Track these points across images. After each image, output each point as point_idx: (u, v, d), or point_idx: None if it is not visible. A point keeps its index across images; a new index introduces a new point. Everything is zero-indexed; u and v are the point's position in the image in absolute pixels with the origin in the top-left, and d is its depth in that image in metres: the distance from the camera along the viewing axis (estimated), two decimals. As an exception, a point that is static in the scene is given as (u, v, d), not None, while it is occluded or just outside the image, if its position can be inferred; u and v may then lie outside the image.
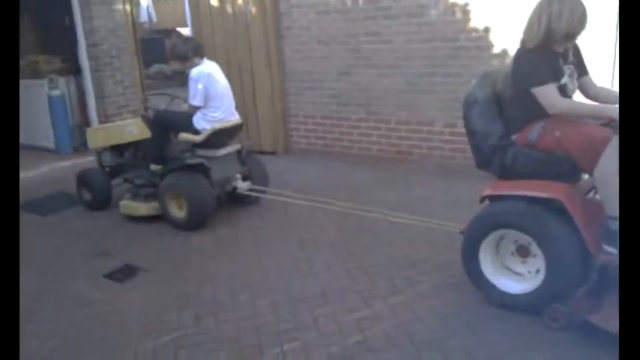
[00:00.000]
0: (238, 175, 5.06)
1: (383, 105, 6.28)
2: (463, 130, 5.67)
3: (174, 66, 13.99)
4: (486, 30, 5.46)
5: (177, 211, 4.80)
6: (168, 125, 5.10)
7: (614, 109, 2.91)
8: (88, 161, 7.31)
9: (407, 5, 5.84)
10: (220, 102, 4.87)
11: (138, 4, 17.02)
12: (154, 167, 5.08)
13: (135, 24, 7.89)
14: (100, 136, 5.52)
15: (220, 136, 4.89)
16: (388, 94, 6.20)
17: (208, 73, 4.81)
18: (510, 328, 3.08)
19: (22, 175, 6.80)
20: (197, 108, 4.83)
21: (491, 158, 3.29)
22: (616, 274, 2.98)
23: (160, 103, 5.77)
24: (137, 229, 4.96)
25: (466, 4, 5.52)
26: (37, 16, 8.48)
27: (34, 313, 3.62)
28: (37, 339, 3.33)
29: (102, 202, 5.43)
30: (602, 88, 3.37)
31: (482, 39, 5.50)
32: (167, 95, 5.80)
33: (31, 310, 3.64)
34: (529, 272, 3.19)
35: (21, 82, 8.02)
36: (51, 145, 7.79)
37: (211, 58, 7.42)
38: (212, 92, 4.80)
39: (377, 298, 3.51)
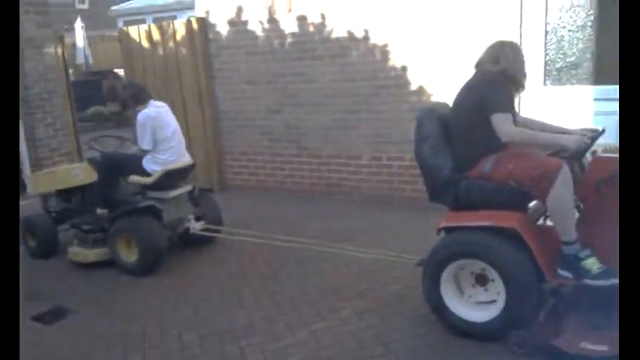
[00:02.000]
0: (191, 216, 5.03)
1: (312, 141, 6.55)
2: (388, 162, 6.10)
3: (111, 107, 13.97)
4: (404, 69, 5.85)
5: (128, 256, 4.71)
6: (117, 168, 4.98)
7: (567, 139, 3.13)
8: (20, 205, 7.23)
9: (331, 47, 6.19)
10: (170, 143, 4.82)
11: (74, 46, 16.96)
12: (100, 211, 4.93)
13: (67, 67, 7.92)
14: (43, 180, 5.39)
15: (172, 178, 4.85)
16: (317, 131, 6.49)
17: (155, 116, 4.77)
18: (424, 347, 3.29)
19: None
20: (147, 151, 4.81)
21: (445, 190, 3.35)
22: (574, 296, 3.22)
23: (108, 145, 5.79)
24: (67, 272, 4.95)
25: (385, 45, 5.90)
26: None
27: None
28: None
29: (48, 249, 5.26)
30: (527, 118, 3.59)
31: (400, 77, 5.88)
32: (117, 137, 5.81)
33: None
34: (490, 300, 3.24)
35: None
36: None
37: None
38: (160, 135, 4.77)
39: (301, 326, 3.66)
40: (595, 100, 5.12)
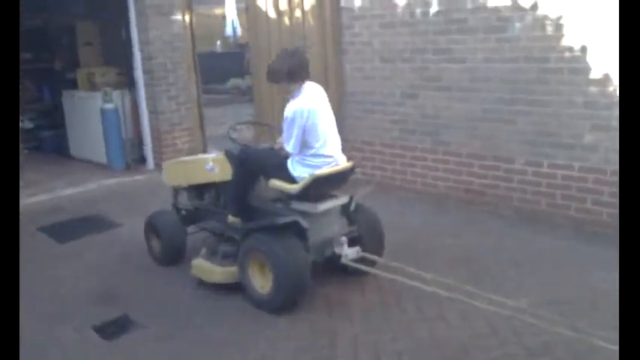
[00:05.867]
0: (343, 238, 3.80)
1: (453, 134, 5.32)
2: (550, 170, 4.70)
3: (249, 81, 13.66)
4: (583, 49, 4.39)
5: (261, 284, 3.65)
6: (257, 167, 3.91)
7: None
8: (137, 180, 6.95)
9: (486, 17, 4.88)
10: (324, 143, 3.72)
11: (224, 18, 17.05)
12: (231, 219, 3.93)
13: (194, 36, 7.42)
14: (177, 171, 4.51)
15: (322, 186, 3.71)
16: (459, 122, 5.24)
17: (310, 109, 3.61)
18: None
19: (62, 192, 6.52)
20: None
21: None
22: None
23: (247, 135, 4.86)
24: (154, 273, 4.32)
25: (559, 18, 4.48)
26: (98, 27, 8.29)
27: None
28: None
29: (174, 254, 4.33)
30: None
31: (577, 60, 4.43)
32: (265, 126, 4.84)
33: None
34: None
35: (77, 93, 7.86)
36: (103, 160, 7.49)
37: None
38: (313, 135, 3.65)
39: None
40: None
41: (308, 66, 3.78)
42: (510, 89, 4.84)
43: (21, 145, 8.55)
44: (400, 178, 5.80)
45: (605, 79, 4.31)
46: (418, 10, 5.32)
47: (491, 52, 4.90)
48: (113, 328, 3.51)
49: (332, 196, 3.78)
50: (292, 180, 3.68)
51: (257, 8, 6.58)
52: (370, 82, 5.86)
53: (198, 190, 4.40)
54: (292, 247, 3.55)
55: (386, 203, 5.54)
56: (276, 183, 3.72)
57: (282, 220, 3.60)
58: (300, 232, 3.59)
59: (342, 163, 3.83)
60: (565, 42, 4.48)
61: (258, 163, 3.89)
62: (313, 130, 3.65)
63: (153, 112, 7.26)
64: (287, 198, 3.74)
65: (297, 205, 3.68)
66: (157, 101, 7.20)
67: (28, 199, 6.16)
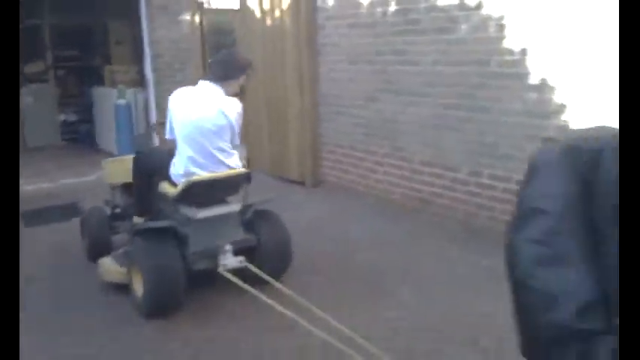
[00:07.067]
0: (228, 247, 3.49)
1: (407, 140, 5.09)
2: (490, 182, 4.38)
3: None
4: (523, 52, 4.03)
5: (138, 287, 3.51)
6: (149, 168, 3.83)
7: None
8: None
9: (437, 17, 4.63)
10: (190, 145, 3.49)
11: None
12: (135, 219, 3.90)
13: (204, 36, 7.65)
14: (112, 169, 4.39)
15: (204, 192, 3.53)
16: (413, 128, 5.01)
17: (177, 96, 3.57)
18: None
19: (62, 181, 6.96)
20: (172, 142, 3.62)
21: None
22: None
23: None
24: (77, 266, 4.34)
25: (501, 17, 4.15)
26: (128, 26, 8.80)
27: None
28: None
29: (97, 250, 4.15)
30: None
31: (517, 64, 4.08)
32: None
33: None
34: None
35: (101, 89, 8.42)
36: (115, 152, 7.95)
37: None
38: (175, 127, 3.54)
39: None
40: None
41: (214, 66, 3.72)
42: (455, 94, 4.56)
43: (61, 137, 9.43)
44: (364, 184, 5.64)
45: (542, 85, 3.93)
46: (379, 10, 5.14)
47: (440, 55, 4.64)
48: None
49: (220, 203, 3.64)
50: (174, 183, 3.61)
51: (247, 8, 6.63)
52: (339, 84, 5.74)
53: (129, 188, 4.35)
54: (163, 252, 3.41)
55: (341, 209, 5.45)
56: (162, 186, 3.67)
57: (155, 225, 3.57)
58: (180, 238, 3.51)
59: (226, 169, 3.57)
60: (505, 44, 4.14)
61: (149, 164, 3.86)
62: (175, 121, 3.53)
63: (160, 109, 7.59)
64: (173, 201, 3.62)
65: (183, 210, 3.58)
66: (164, 99, 7.50)
67: (29, 187, 6.70)
